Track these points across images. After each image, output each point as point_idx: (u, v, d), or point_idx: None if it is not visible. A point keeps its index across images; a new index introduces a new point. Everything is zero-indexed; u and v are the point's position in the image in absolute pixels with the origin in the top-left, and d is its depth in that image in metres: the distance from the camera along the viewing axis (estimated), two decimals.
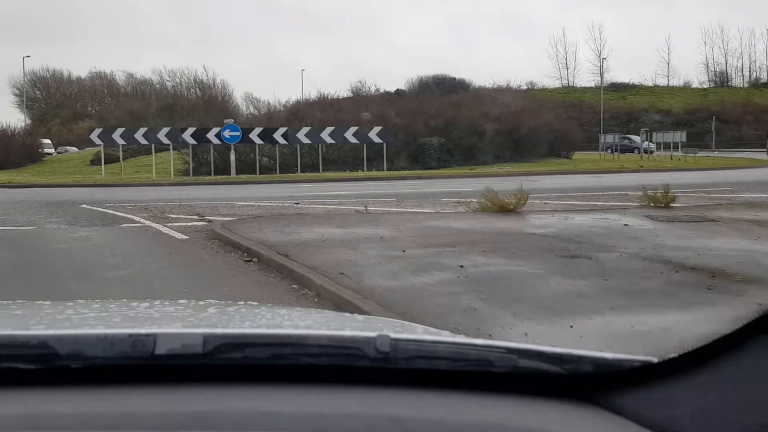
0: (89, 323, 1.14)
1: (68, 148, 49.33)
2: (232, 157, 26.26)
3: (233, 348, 0.90)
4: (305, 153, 28.09)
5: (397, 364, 0.90)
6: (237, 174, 25.61)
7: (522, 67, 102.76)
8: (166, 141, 26.43)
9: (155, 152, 33.25)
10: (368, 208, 10.21)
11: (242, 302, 1.47)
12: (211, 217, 10.30)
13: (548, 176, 21.65)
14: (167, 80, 74.03)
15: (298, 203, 12.33)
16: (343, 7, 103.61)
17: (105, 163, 27.59)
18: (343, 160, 28.86)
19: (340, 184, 19.66)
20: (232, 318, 1.30)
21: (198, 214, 10.70)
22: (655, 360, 0.88)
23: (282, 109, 51.54)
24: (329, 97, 32.15)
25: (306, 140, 26.53)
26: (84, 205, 12.59)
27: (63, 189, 19.45)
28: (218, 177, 24.08)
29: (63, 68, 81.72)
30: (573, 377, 0.90)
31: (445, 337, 1.10)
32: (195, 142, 26.47)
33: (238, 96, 71.29)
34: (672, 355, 0.85)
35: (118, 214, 11.10)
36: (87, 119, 69.37)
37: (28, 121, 60.50)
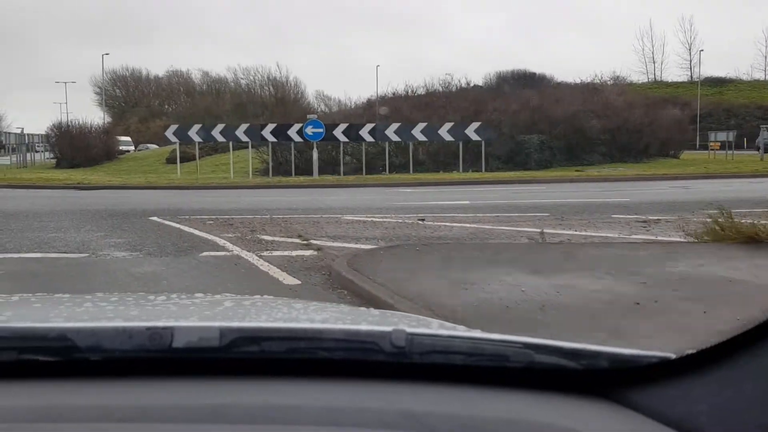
0: (107, 316, 1.10)
1: (149, 145, 48.07)
2: (315, 155, 23.60)
3: (249, 341, 0.88)
4: (391, 152, 25.27)
5: (413, 358, 0.88)
6: (319, 174, 23.00)
7: (599, 63, 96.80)
8: (244, 138, 23.99)
9: (227, 151, 31.28)
10: (544, 233, 7.06)
11: (258, 296, 1.50)
12: (318, 241, 7.41)
13: (690, 181, 17.91)
14: (241, 78, 73.03)
15: (423, 219, 9.28)
16: (405, 5, 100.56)
17: (180, 162, 25.50)
18: (432, 160, 25.81)
19: (446, 188, 16.54)
20: (249, 312, 1.27)
21: (300, 236, 7.83)
22: (672, 356, 0.85)
23: (364, 104, 48.81)
24: (417, 92, 29.02)
25: (395, 137, 23.57)
26: (155, 218, 9.95)
27: (135, 192, 17.15)
28: (302, 178, 21.42)
29: (142, 67, 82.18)
30: (589, 373, 0.87)
31: (461, 331, 1.04)
32: (275, 140, 23.94)
33: (310, 94, 69.28)
34: (689, 351, 0.82)
35: (196, 232, 8.35)
36: (164, 117, 69.15)
37: (108, 119, 60.30)
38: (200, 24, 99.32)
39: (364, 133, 23.50)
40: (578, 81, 46.85)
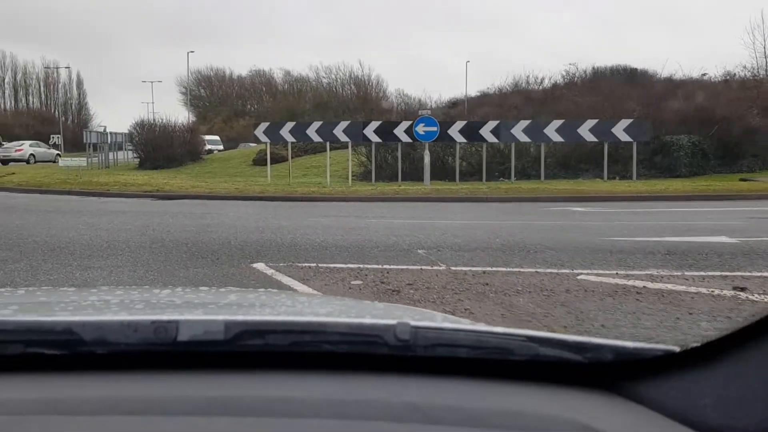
0: (113, 310, 1.09)
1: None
2: (427, 159, 19.52)
3: (254, 335, 0.86)
4: (509, 154, 21.01)
5: (417, 351, 0.86)
6: (430, 181, 18.97)
7: (694, 58, 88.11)
8: (344, 138, 20.19)
9: (318, 152, 27.68)
10: None
11: (262, 289, 1.47)
12: None
13: None
14: (323, 77, 70.32)
15: (743, 289, 4.92)
16: (477, 5, 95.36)
17: (266, 163, 22.08)
18: (559, 164, 21.26)
19: (623, 206, 12.04)
20: (253, 305, 1.25)
21: None
22: (677, 349, 0.82)
23: (447, 103, 44.77)
24: (540, 84, 24.43)
25: (524, 138, 19.18)
26: (260, 266, 6.05)
27: (223, 204, 13.55)
28: (419, 188, 17.33)
29: (225, 67, 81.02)
30: (594, 366, 0.85)
31: (465, 325, 1.02)
32: (379, 140, 20.04)
33: (391, 93, 65.57)
34: (694, 345, 0.81)
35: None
36: (246, 117, 67.24)
37: (193, 119, 58.60)
38: (279, 25, 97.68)
39: (486, 132, 19.23)
40: (685, 77, 40.66)
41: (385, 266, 5.97)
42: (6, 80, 69.27)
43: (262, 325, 0.89)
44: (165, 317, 0.87)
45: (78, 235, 8.13)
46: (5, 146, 38.94)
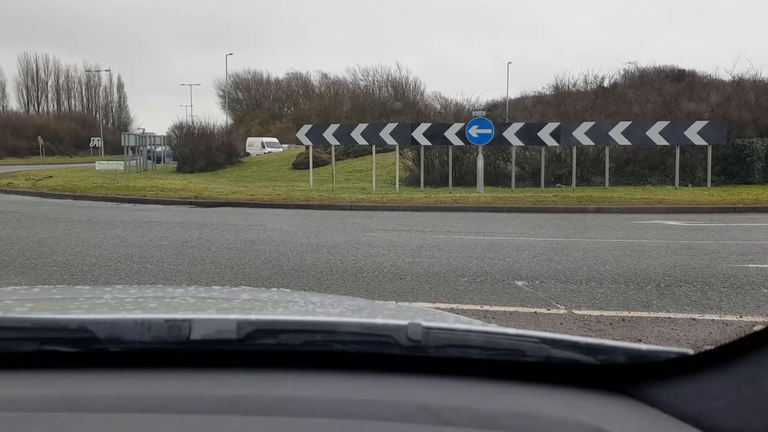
0: (127, 308, 1.09)
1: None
2: (480, 163, 18.08)
3: (266, 334, 0.85)
4: (566, 158, 19.53)
5: (429, 352, 0.85)
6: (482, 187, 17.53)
7: (724, 60, 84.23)
8: (390, 141, 18.88)
9: (359, 156, 26.50)
10: None
11: (275, 289, 1.47)
12: None
13: None
14: (360, 79, 69.29)
15: None
16: (501, 7, 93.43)
17: (307, 167, 20.95)
18: (619, 169, 19.60)
19: (710, 217, 10.43)
20: (266, 305, 1.25)
21: None
22: (690, 352, 0.82)
23: (486, 105, 43.17)
24: (601, 82, 22.70)
25: (587, 141, 17.59)
26: None
27: (268, 213, 12.37)
28: (476, 195, 15.89)
29: (263, 70, 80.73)
30: (606, 368, 0.84)
31: (477, 326, 0.99)
32: (429, 143, 18.70)
33: (427, 95, 64.05)
34: (708, 347, 0.80)
35: None
36: (283, 120, 66.57)
37: (230, 122, 58.08)
38: (311, 29, 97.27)
39: (545, 134, 17.68)
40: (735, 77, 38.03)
41: (485, 307, 4.61)
42: (49, 84, 69.99)
43: (274, 325, 0.87)
44: (178, 316, 0.86)
45: (105, 254, 6.98)
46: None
